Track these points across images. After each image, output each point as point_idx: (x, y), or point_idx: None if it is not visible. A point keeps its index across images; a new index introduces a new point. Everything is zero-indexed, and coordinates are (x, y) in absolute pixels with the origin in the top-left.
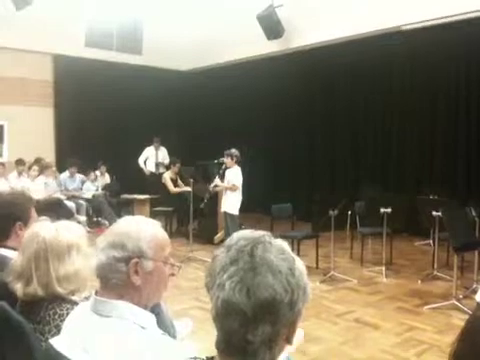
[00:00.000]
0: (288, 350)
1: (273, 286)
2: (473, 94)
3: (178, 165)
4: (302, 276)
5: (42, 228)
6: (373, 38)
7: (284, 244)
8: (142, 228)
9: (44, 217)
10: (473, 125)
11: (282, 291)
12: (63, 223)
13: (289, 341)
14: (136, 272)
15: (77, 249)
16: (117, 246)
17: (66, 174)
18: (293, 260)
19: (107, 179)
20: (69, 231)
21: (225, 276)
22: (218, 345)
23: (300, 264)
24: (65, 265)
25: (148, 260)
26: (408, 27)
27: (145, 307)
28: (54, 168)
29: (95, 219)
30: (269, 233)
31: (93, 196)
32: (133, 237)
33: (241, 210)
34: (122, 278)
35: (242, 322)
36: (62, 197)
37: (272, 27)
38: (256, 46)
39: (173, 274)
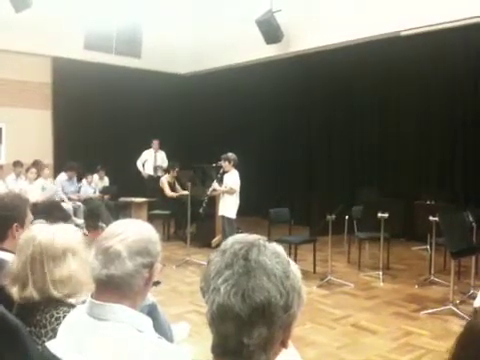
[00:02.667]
0: (284, 353)
1: (268, 289)
2: (471, 99)
3: (177, 170)
4: (297, 279)
5: (38, 231)
6: (371, 43)
7: (279, 248)
8: (152, 231)
9: (40, 220)
10: (471, 130)
11: (277, 294)
12: (60, 226)
13: (284, 345)
14: (151, 275)
15: (73, 252)
16: (143, 253)
17: (64, 176)
18: (288, 263)
19: (106, 182)
20: (65, 234)
21: (220, 280)
22: (214, 349)
23: (295, 268)
24: (61, 268)
25: (158, 262)
26: (407, 33)
27: (139, 309)
28: (47, 170)
29: (92, 222)
30: (264, 237)
31: (90, 199)
32: (153, 241)
33: (239, 214)
34: (141, 284)
35: (238, 325)
36: (60, 199)
37: (271, 32)
38: (255, 50)
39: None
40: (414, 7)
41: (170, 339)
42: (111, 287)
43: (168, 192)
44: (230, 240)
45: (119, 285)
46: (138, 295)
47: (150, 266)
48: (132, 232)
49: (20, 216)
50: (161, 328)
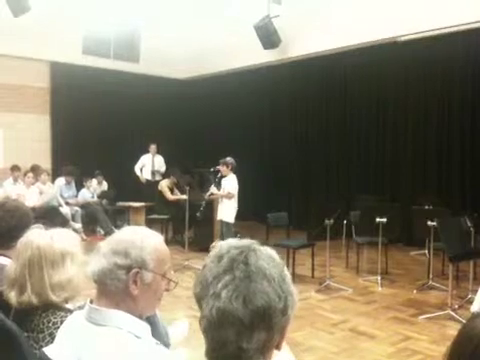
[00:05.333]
0: (278, 356)
1: (268, 293)
2: (467, 104)
3: (178, 175)
4: (291, 282)
5: (36, 236)
6: (369, 49)
7: (272, 251)
8: (147, 239)
9: (38, 225)
10: (467, 135)
11: (276, 297)
12: (57, 231)
13: (278, 347)
14: (135, 282)
15: (71, 257)
16: (120, 253)
17: (62, 181)
18: (283, 266)
19: (104, 187)
20: (63, 239)
21: (220, 285)
22: (209, 354)
23: (286, 270)
24: (59, 273)
25: (148, 272)
26: (404, 38)
27: (139, 317)
28: (45, 176)
29: (90, 226)
30: (256, 241)
31: (88, 203)
32: (137, 246)
33: (237, 218)
34: (120, 286)
35: (238, 330)
36: (58, 204)
37: (268, 37)
38: (253, 55)
39: (168, 289)
40: (412, 13)
41: (167, 344)
42: (99, 289)
43: (169, 196)
44: (225, 245)
45: (99, 284)
46: (131, 301)
47: (127, 269)
48: (121, 234)
49: (29, 225)
50: (158, 334)
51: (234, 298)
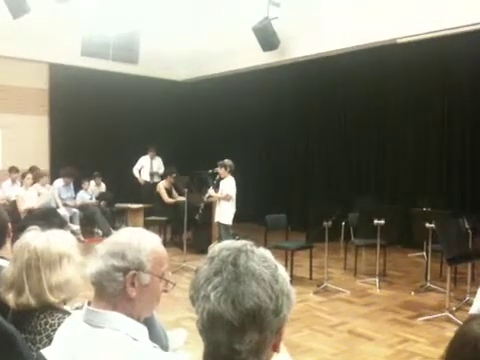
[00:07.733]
0: (277, 358)
1: (257, 294)
2: (467, 107)
3: (174, 175)
4: (285, 282)
5: (33, 238)
6: (368, 50)
7: (266, 252)
8: (144, 241)
9: (34, 226)
10: (467, 137)
11: (267, 298)
12: (54, 232)
13: (276, 349)
14: (132, 284)
15: (68, 258)
16: (117, 255)
17: (60, 182)
18: (276, 267)
19: (103, 188)
20: (60, 240)
21: (210, 287)
22: (205, 358)
23: (283, 271)
24: (57, 274)
25: (146, 273)
26: (404, 40)
27: (137, 319)
28: (46, 179)
29: (88, 228)
30: (251, 242)
31: (86, 205)
32: (134, 248)
33: (236, 220)
34: (118, 288)
35: (229, 332)
36: (55, 205)
37: (267, 39)
38: (252, 57)
39: (166, 291)
40: (411, 14)
41: (166, 347)
42: (97, 291)
43: (166, 198)
44: (217, 247)
45: (96, 286)
46: (128, 303)
47: (124, 271)
48: (119, 236)
49: (5, 228)
50: (156, 336)
51: (223, 300)
